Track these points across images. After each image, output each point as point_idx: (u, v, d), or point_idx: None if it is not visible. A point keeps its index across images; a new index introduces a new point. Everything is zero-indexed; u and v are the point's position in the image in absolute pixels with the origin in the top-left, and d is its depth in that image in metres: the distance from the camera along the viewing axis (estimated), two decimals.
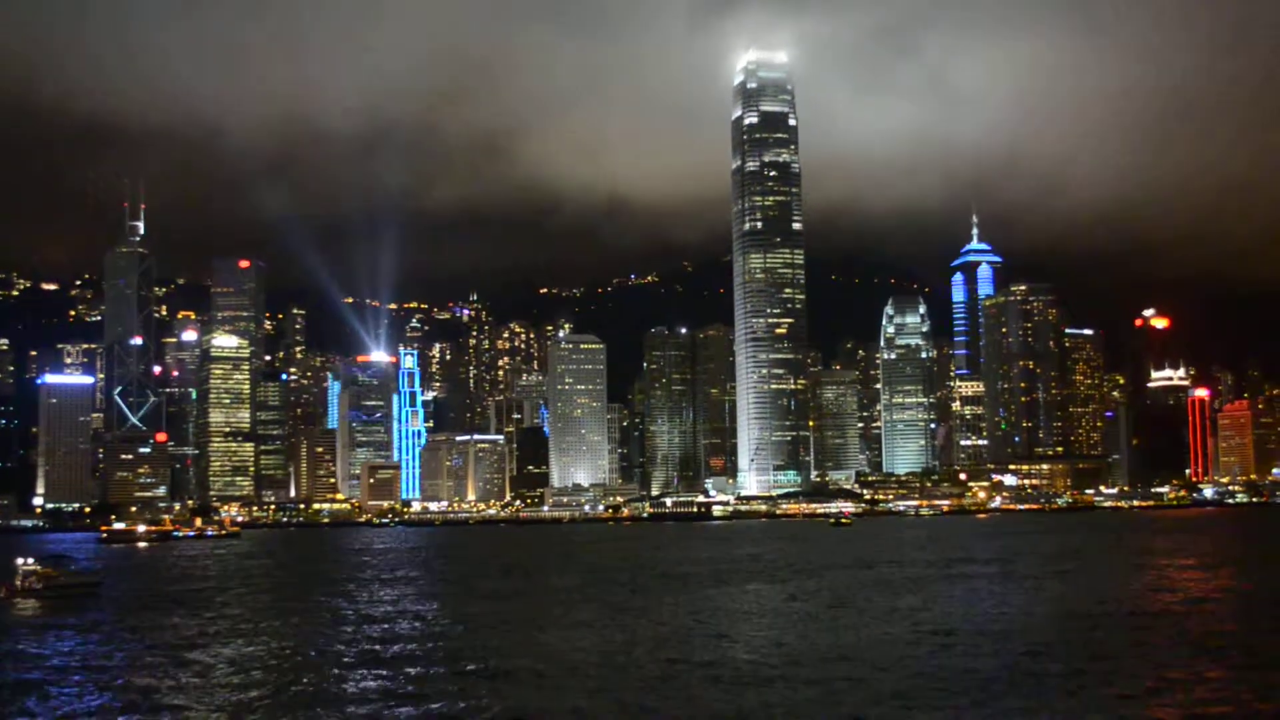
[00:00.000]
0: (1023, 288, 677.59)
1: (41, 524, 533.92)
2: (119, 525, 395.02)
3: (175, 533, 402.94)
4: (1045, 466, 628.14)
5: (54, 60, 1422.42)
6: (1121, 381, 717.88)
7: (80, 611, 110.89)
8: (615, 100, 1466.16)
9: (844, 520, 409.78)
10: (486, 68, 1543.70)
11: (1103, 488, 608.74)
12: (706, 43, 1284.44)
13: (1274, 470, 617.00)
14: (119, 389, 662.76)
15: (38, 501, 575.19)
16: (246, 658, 77.22)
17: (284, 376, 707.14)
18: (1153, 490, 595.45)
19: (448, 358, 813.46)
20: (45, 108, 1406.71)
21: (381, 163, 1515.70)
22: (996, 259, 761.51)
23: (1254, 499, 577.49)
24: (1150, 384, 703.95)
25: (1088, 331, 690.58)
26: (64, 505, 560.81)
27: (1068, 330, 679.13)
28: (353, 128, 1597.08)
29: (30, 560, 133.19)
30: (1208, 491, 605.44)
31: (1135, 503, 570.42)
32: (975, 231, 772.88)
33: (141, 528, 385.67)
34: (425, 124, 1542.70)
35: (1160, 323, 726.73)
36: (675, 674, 66.66)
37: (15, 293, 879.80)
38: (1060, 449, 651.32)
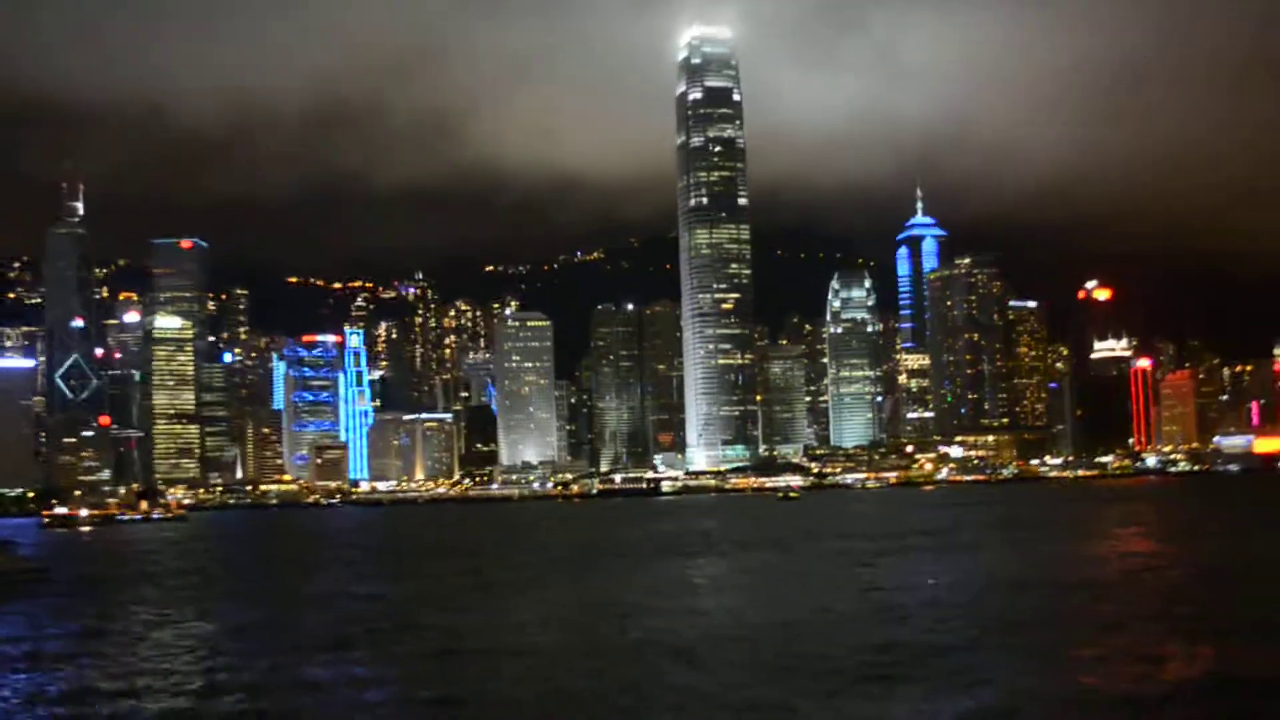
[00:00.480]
0: (967, 261, 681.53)
1: None
2: (60, 510, 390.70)
3: (120, 516, 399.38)
4: (991, 438, 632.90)
5: None
6: (1065, 353, 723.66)
7: (29, 597, 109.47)
8: (564, 78, 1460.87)
9: (792, 494, 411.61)
10: (436, 46, 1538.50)
11: (1048, 458, 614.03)
12: (654, 20, 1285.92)
13: (1215, 439, 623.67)
14: (61, 372, 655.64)
15: None
16: (197, 641, 76.57)
17: (228, 357, 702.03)
18: (1097, 460, 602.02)
19: (394, 336, 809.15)
20: None
21: (329, 142, 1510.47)
22: (941, 232, 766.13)
23: (1196, 467, 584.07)
24: (1093, 355, 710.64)
25: (1031, 304, 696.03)
26: (6, 490, 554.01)
27: (1012, 303, 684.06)
28: (301, 106, 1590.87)
29: None
30: (1151, 461, 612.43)
31: (1080, 472, 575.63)
32: (920, 205, 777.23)
33: (83, 512, 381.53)
34: (374, 103, 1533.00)
35: (1103, 294, 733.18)
36: (616, 651, 66.57)
37: None
38: (1005, 420, 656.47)
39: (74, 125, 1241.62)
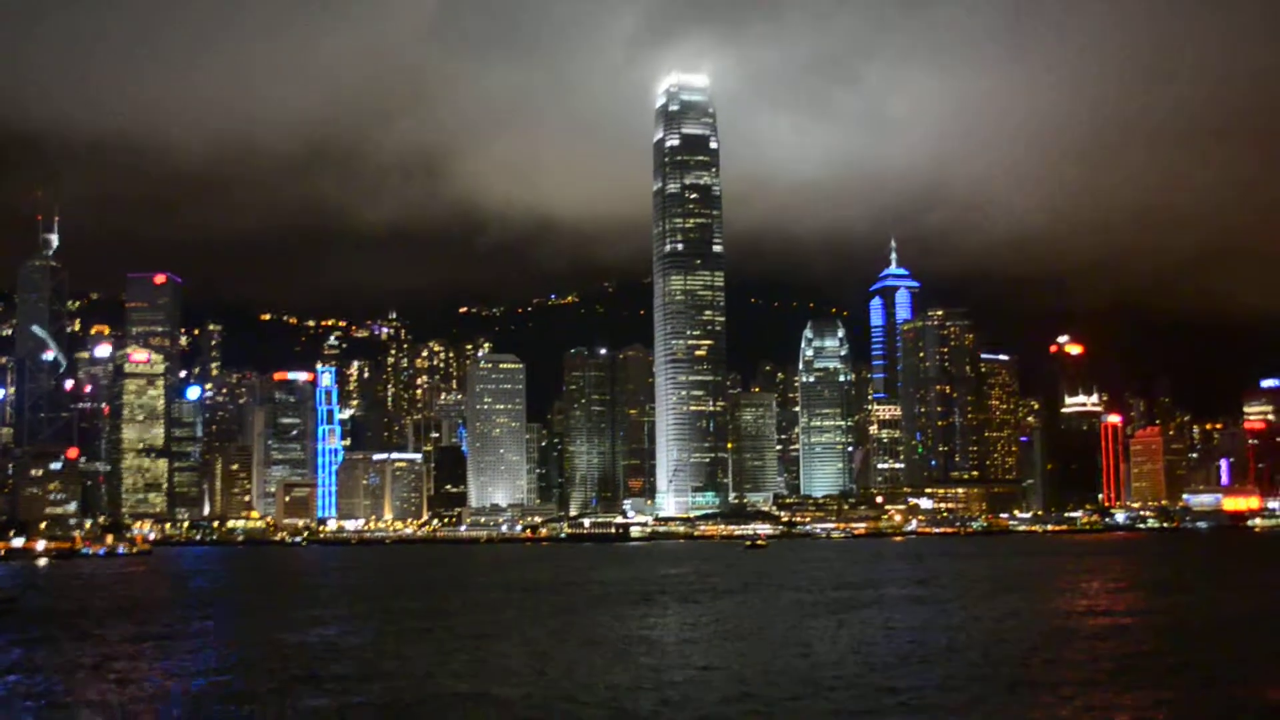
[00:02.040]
0: (939, 312, 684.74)
1: None
2: (17, 542, 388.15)
3: (86, 550, 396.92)
4: (961, 490, 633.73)
5: None
6: (1036, 407, 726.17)
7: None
8: (546, 123, 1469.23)
9: (759, 543, 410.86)
10: (419, 89, 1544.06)
11: (1017, 511, 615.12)
12: (635, 66, 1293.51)
13: (1184, 496, 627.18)
14: (29, 404, 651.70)
15: None
16: (164, 673, 76.13)
17: (200, 393, 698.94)
18: (1066, 514, 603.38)
19: (366, 375, 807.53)
20: None
21: (310, 180, 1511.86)
22: (914, 284, 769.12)
23: (1164, 524, 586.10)
24: (1064, 409, 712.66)
25: (1003, 357, 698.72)
26: None
27: (984, 355, 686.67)
28: (283, 145, 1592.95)
29: None
30: (1120, 516, 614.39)
31: (1049, 527, 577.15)
32: (894, 256, 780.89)
33: (41, 544, 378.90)
34: (356, 143, 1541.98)
35: (1075, 349, 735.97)
36: (587, 699, 66.33)
37: None
38: (976, 473, 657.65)
39: (54, 159, 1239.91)
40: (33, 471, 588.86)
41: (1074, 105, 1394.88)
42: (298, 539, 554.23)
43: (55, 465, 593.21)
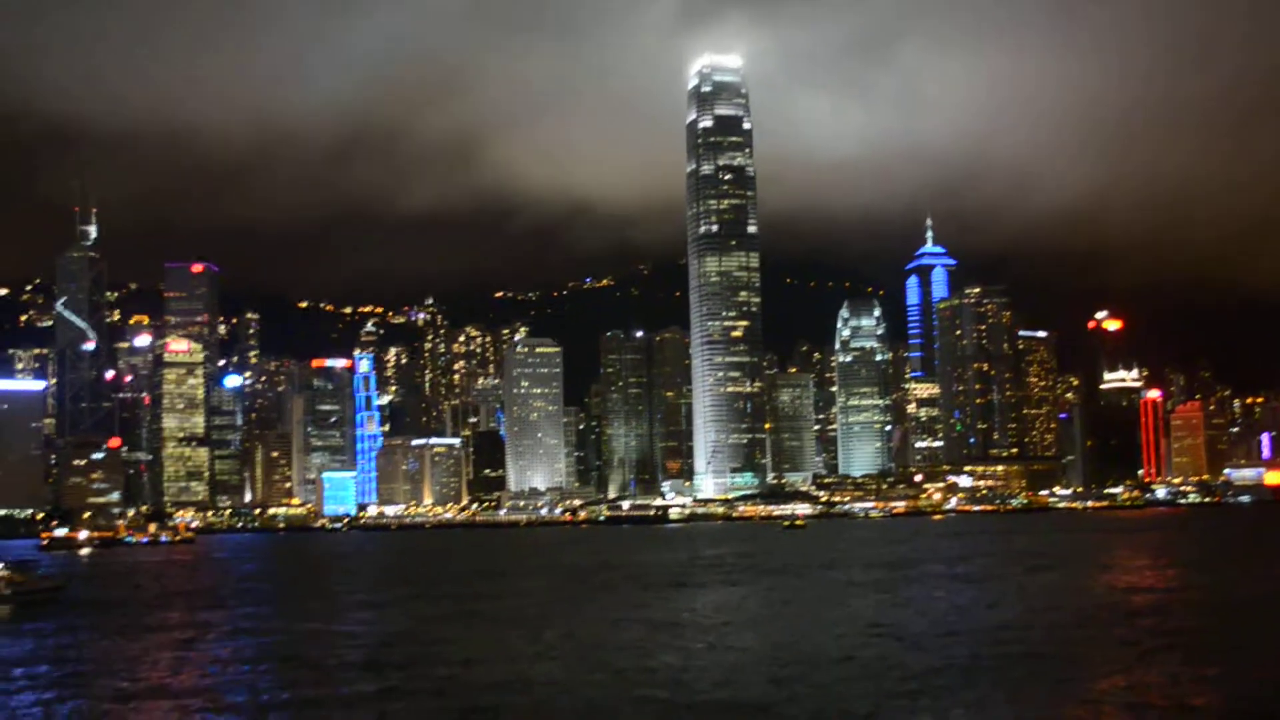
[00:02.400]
0: (977, 290, 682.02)
1: None
2: (60, 532, 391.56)
3: (129, 538, 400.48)
4: (1000, 468, 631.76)
5: (14, 64, 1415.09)
6: (1075, 383, 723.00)
7: (47, 616, 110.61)
8: (581, 106, 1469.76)
9: (797, 523, 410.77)
10: (455, 75, 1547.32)
11: (1057, 489, 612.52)
12: (669, 48, 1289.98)
13: (1225, 471, 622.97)
14: (71, 394, 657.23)
15: None
16: (211, 663, 76.87)
17: (239, 381, 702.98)
18: (1106, 491, 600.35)
19: (403, 361, 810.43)
20: (7, 112, 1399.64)
21: (348, 167, 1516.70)
22: (951, 262, 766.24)
23: (1206, 499, 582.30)
24: (1103, 386, 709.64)
25: (1041, 334, 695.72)
26: (16, 511, 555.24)
27: (1022, 332, 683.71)
28: (321, 132, 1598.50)
29: None
30: (1161, 492, 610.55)
31: (1089, 503, 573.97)
32: (930, 234, 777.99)
33: (83, 534, 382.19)
34: (393, 130, 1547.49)
35: (1113, 325, 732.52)
36: (631, 681, 66.64)
37: None
38: (1015, 450, 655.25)
39: (91, 150, 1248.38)
40: (76, 461, 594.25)
41: (1113, 82, 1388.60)
42: (337, 525, 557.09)
43: (98, 455, 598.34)
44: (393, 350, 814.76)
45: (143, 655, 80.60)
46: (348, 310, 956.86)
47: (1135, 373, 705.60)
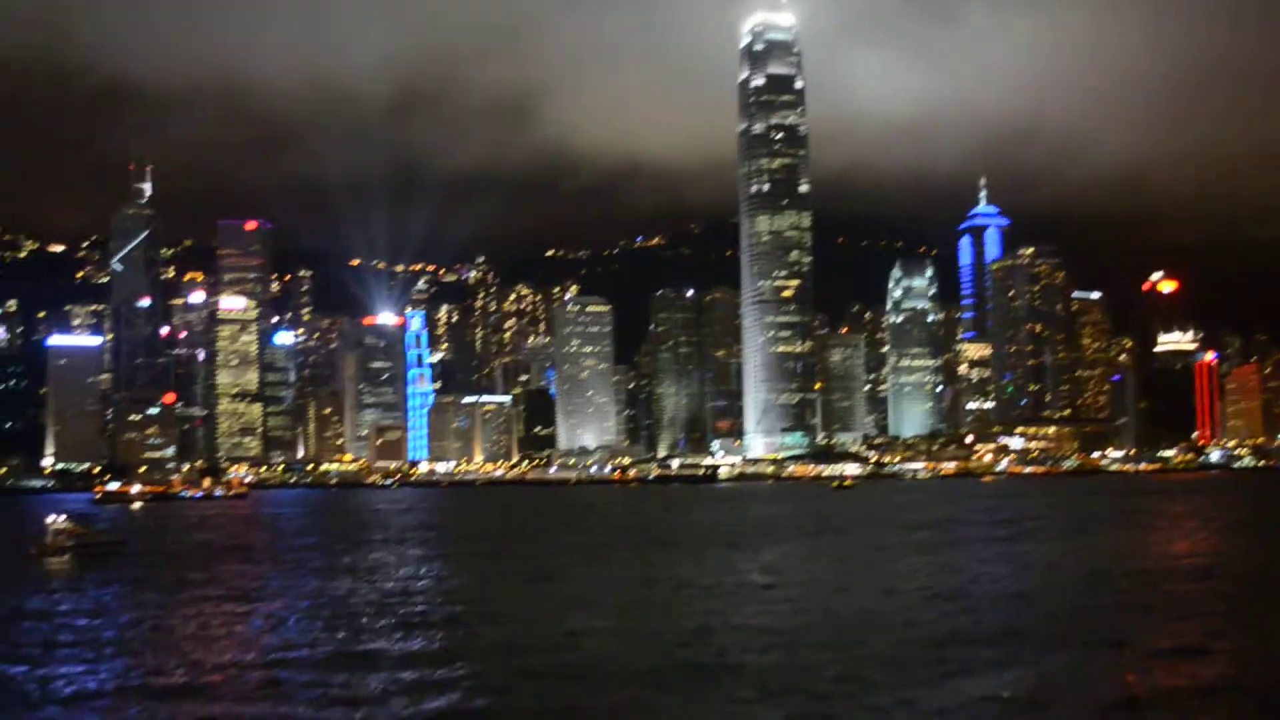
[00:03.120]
0: (1030, 251, 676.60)
1: (51, 484, 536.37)
2: (113, 486, 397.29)
3: (184, 493, 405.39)
4: (1052, 429, 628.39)
5: (74, 23, 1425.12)
6: (1129, 345, 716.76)
7: (108, 569, 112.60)
8: (635, 63, 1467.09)
9: (846, 483, 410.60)
10: (510, 32, 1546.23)
11: (1109, 451, 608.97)
12: (725, 6, 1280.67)
13: None
14: (127, 350, 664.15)
15: (47, 462, 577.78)
16: (273, 614, 77.89)
17: (291, 338, 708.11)
18: (1159, 454, 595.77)
19: (454, 319, 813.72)
20: (66, 70, 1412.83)
21: (403, 124, 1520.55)
22: (1004, 222, 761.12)
23: (1261, 463, 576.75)
24: (1157, 348, 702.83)
25: (1095, 295, 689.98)
26: (73, 466, 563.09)
27: (1075, 294, 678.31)
28: (377, 89, 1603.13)
29: (60, 518, 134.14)
30: (1214, 455, 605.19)
31: (1142, 466, 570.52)
32: (983, 195, 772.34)
33: (136, 488, 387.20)
34: (448, 87, 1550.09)
35: (1168, 286, 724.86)
36: (684, 635, 67.00)
37: (23, 254, 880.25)
38: (1067, 412, 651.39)
39: (152, 108, 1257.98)
40: (131, 416, 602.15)
41: (1171, 41, 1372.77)
42: (387, 482, 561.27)
43: (153, 410, 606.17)
44: (444, 308, 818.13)
45: (199, 609, 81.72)
46: (400, 268, 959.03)
47: (1190, 335, 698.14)
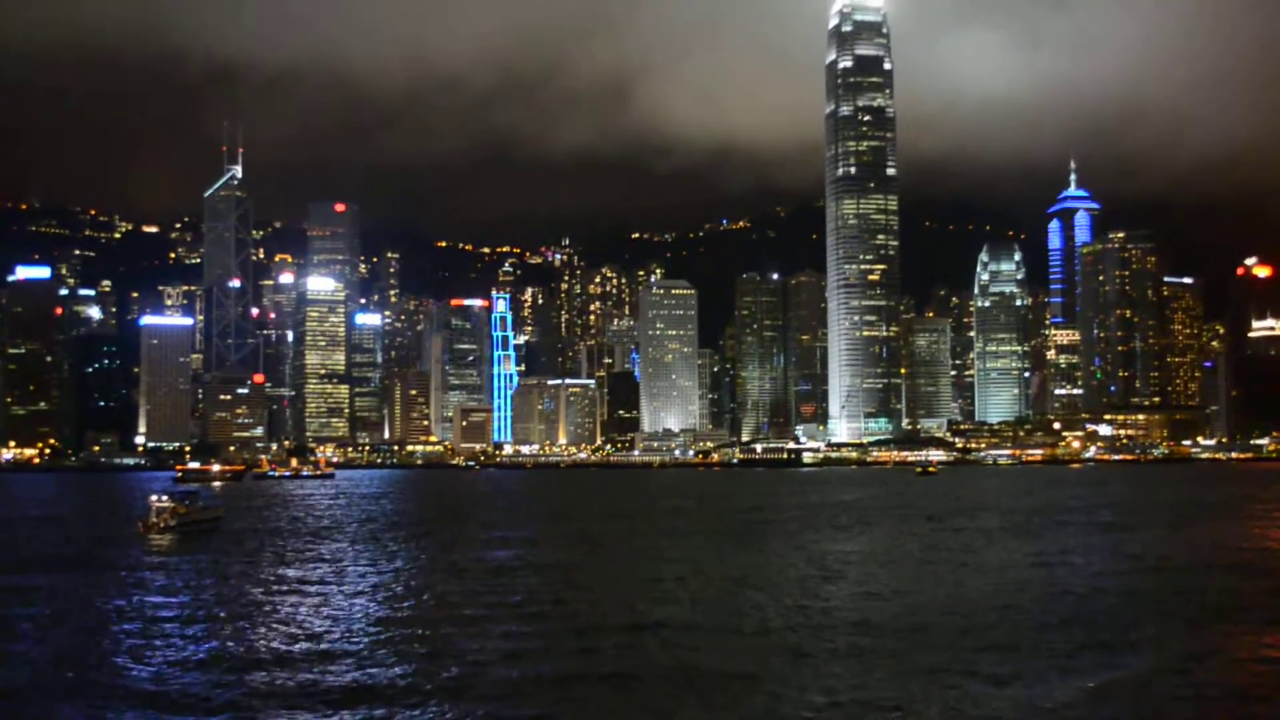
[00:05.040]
0: (1121, 235, 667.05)
1: (143, 462, 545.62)
2: (193, 465, 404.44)
3: (271, 471, 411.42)
4: (1141, 417, 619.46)
5: (182, 6, 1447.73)
6: (1222, 331, 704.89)
7: (208, 545, 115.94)
8: (728, 46, 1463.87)
9: (930, 469, 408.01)
10: (609, 15, 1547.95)
11: (1200, 439, 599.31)
12: None
13: None
14: (218, 330, 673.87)
15: (139, 440, 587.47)
16: (362, 593, 78.87)
17: (379, 320, 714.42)
18: (1252, 442, 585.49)
19: (539, 302, 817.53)
20: (171, 55, 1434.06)
21: (499, 107, 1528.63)
22: (1094, 205, 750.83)
23: None
24: (1251, 334, 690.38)
25: (1187, 280, 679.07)
26: (164, 444, 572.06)
27: (1167, 279, 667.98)
28: (472, 74, 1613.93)
29: (164, 497, 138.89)
30: None
31: (1234, 455, 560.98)
32: (1073, 178, 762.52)
33: (216, 467, 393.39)
34: (544, 70, 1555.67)
35: (1263, 271, 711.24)
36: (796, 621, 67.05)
37: (117, 235, 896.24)
38: (1157, 399, 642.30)
39: (252, 91, 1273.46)
40: (221, 396, 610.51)
41: (1274, 27, 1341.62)
42: (471, 463, 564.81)
43: (243, 390, 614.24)
44: (529, 290, 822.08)
45: (295, 584, 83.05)
46: (486, 250, 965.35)
47: None
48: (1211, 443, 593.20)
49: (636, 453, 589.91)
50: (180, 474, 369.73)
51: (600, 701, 47.87)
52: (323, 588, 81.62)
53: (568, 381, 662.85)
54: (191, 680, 51.62)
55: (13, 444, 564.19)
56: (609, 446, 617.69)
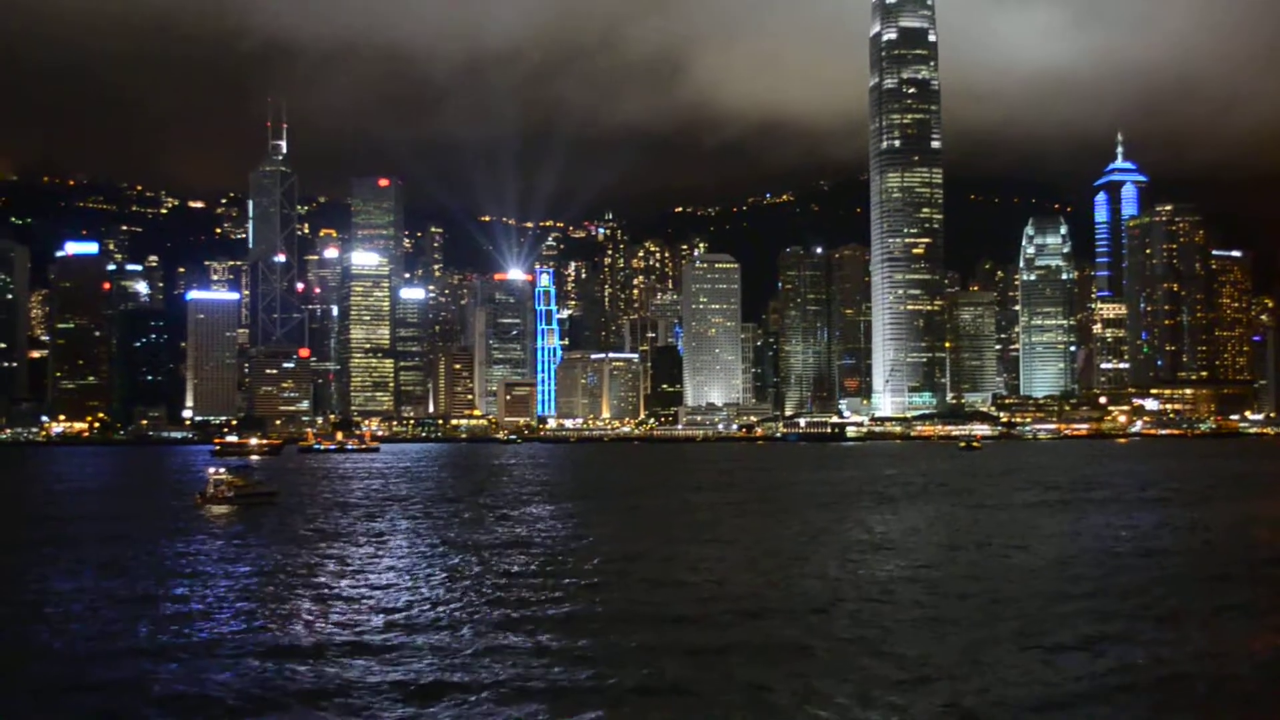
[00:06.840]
0: (1168, 208, 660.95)
1: (190, 435, 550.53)
2: (231, 438, 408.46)
3: (317, 445, 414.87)
4: (1189, 391, 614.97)
5: None
6: (1271, 305, 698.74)
7: (264, 517, 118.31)
8: (778, 20, 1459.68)
9: (974, 444, 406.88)
10: None
11: (1248, 413, 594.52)
12: None
13: None
14: (263, 305, 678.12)
15: (187, 414, 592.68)
16: (414, 565, 79.95)
17: (423, 294, 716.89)
18: None
19: (583, 276, 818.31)
20: (226, 32, 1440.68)
21: (550, 83, 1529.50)
22: (1142, 178, 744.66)
23: None
24: None
25: (1236, 254, 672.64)
26: (211, 418, 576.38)
27: (1215, 252, 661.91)
28: (524, 50, 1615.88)
29: (220, 470, 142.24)
30: None
31: None
32: (1120, 151, 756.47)
33: (253, 441, 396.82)
34: (596, 47, 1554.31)
35: None
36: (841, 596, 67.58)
37: (164, 211, 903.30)
38: (1205, 373, 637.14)
39: (305, 67, 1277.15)
40: (267, 370, 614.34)
41: None
42: (513, 437, 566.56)
43: (288, 364, 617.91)
44: (573, 265, 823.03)
45: (348, 556, 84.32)
46: (529, 225, 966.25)
47: None
48: (1260, 417, 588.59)
49: (680, 427, 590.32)
50: (218, 447, 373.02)
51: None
52: (376, 558, 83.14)
53: (611, 356, 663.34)
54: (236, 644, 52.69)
55: (62, 417, 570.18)
56: (652, 421, 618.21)
